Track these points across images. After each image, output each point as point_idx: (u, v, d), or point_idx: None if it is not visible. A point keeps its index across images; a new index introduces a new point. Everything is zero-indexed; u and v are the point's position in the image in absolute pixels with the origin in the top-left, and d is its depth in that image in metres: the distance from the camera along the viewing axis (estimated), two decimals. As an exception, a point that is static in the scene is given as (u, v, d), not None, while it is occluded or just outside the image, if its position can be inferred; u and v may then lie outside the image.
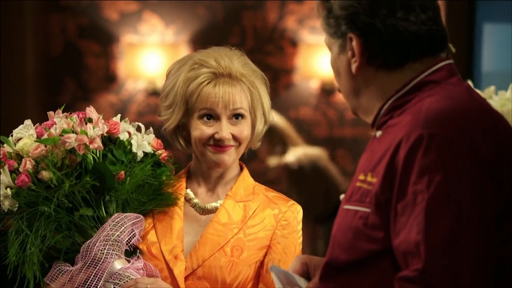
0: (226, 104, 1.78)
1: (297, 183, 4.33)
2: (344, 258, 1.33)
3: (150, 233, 1.80)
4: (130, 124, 1.83)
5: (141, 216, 1.78)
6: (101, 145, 1.73)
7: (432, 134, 1.26)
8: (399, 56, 1.36)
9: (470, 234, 1.23)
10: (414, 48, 1.36)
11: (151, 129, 1.83)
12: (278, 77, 5.03)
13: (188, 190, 1.85)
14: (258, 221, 1.82)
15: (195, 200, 1.84)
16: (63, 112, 1.90)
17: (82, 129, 1.74)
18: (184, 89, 1.79)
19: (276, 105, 5.23)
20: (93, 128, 1.75)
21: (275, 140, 4.47)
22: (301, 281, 1.39)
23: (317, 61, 4.94)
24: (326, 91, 4.99)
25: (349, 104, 1.43)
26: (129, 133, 1.80)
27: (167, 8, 5.02)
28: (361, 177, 1.34)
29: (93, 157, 1.73)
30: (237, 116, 1.80)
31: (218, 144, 1.79)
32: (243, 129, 1.81)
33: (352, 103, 1.41)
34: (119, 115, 1.83)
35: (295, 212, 1.84)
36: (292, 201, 1.86)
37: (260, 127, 1.84)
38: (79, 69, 4.99)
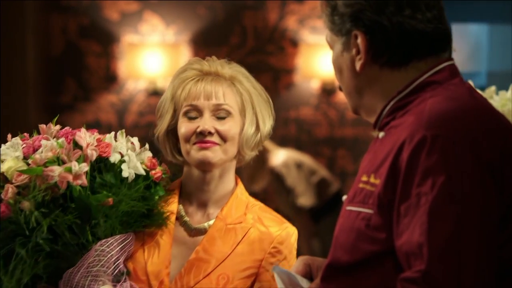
0: (208, 97, 1.72)
1: (284, 185, 4.28)
2: (346, 259, 1.33)
3: (139, 251, 1.72)
4: (126, 137, 1.73)
5: (131, 236, 1.70)
6: (85, 181, 1.63)
7: (435, 135, 1.26)
8: (405, 54, 1.36)
9: (473, 235, 1.23)
10: (419, 47, 1.36)
11: (147, 146, 1.75)
12: (279, 77, 5.02)
13: (181, 207, 1.77)
14: (247, 247, 1.71)
15: (186, 219, 1.76)
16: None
17: (66, 166, 1.62)
18: (171, 90, 1.75)
19: (277, 105, 5.23)
20: (79, 164, 1.63)
21: None
22: (304, 282, 1.39)
23: (317, 61, 4.94)
24: (327, 91, 4.99)
25: (350, 103, 1.43)
26: (121, 154, 1.70)
27: (168, 8, 5.02)
28: (364, 178, 1.34)
29: (79, 187, 1.63)
30: (222, 113, 1.72)
31: (202, 139, 1.71)
32: (229, 125, 1.72)
33: (354, 102, 1.41)
34: (112, 133, 1.73)
35: (287, 237, 1.72)
36: (286, 224, 1.74)
37: (250, 130, 1.74)
38: (79, 69, 4.98)
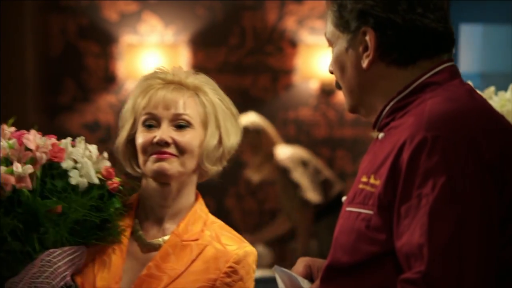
0: (167, 106, 1.63)
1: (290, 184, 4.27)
2: (346, 260, 1.33)
3: (89, 265, 1.63)
4: (85, 144, 1.64)
5: (82, 249, 1.60)
6: (29, 184, 1.54)
7: (436, 136, 1.26)
8: (414, 53, 1.36)
9: (473, 236, 1.23)
10: (429, 45, 1.36)
11: (105, 154, 1.65)
12: (278, 77, 5.02)
13: (136, 221, 1.68)
14: (202, 265, 1.61)
15: (140, 233, 1.66)
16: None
17: (9, 168, 1.55)
18: (133, 99, 1.68)
19: (276, 105, 5.24)
20: (22, 167, 1.55)
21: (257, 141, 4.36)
22: (305, 283, 1.39)
23: (316, 61, 4.94)
24: (326, 91, 4.99)
25: (350, 101, 1.41)
26: (75, 161, 1.60)
27: (167, 9, 5.02)
28: (364, 179, 1.34)
29: (27, 192, 1.55)
30: (181, 123, 1.63)
31: (158, 150, 1.62)
32: (188, 137, 1.63)
33: (355, 100, 1.40)
34: (69, 139, 1.64)
35: (244, 257, 1.62)
36: (245, 244, 1.64)
37: (211, 143, 1.64)
38: (78, 69, 4.98)
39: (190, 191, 1.68)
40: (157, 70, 1.71)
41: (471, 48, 4.12)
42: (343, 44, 1.38)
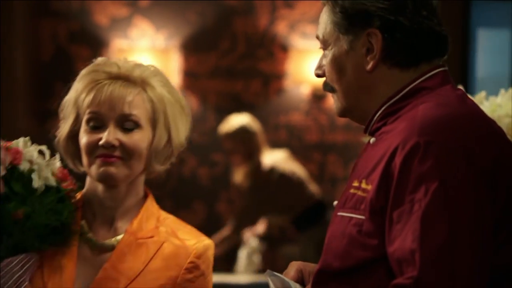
0: (113, 106, 1.53)
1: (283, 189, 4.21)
2: (337, 265, 1.32)
3: (36, 273, 1.53)
4: (31, 146, 1.55)
5: (34, 256, 1.52)
6: (2, 189, 1.47)
7: (429, 141, 1.26)
8: (418, 55, 1.36)
9: (466, 242, 1.23)
10: (432, 48, 1.36)
11: (57, 156, 1.57)
12: (269, 82, 5.02)
13: (83, 222, 1.58)
14: (161, 262, 1.55)
15: (89, 235, 1.57)
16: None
17: None
18: (75, 92, 1.57)
19: (267, 110, 5.23)
20: None
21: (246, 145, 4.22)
22: (297, 287, 1.39)
23: (308, 66, 4.94)
24: (317, 96, 4.99)
25: (344, 104, 1.39)
26: (31, 162, 1.52)
27: (158, 13, 5.01)
28: (355, 183, 1.34)
29: None
30: (129, 124, 1.54)
31: (104, 153, 1.53)
32: (136, 139, 1.54)
33: (350, 103, 1.38)
34: (21, 139, 1.55)
35: (204, 251, 1.57)
36: (203, 238, 1.59)
37: (160, 143, 1.56)
38: (69, 74, 4.96)
39: (139, 189, 1.61)
40: (101, 62, 1.59)
41: (490, 52, 4.12)
42: (343, 45, 1.36)
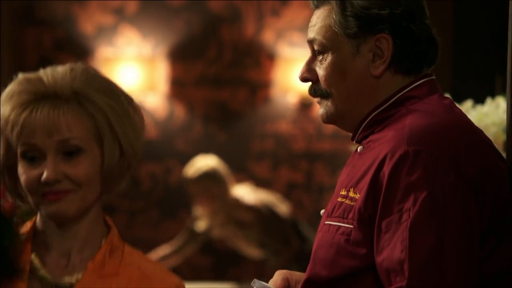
0: (48, 133, 1.29)
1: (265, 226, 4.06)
2: (325, 274, 1.31)
3: None
4: None
5: None
6: None
7: (418, 151, 1.25)
8: (421, 61, 1.37)
9: (454, 252, 1.23)
10: (432, 56, 1.38)
11: None
12: (256, 90, 5.02)
13: (33, 256, 1.33)
14: None
15: (42, 273, 1.32)
16: None
17: None
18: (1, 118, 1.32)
19: (254, 119, 5.23)
20: None
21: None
22: None
23: (295, 75, 4.92)
24: (304, 105, 4.99)
25: (339, 109, 1.36)
26: None
27: (144, 21, 5.00)
28: (343, 192, 1.33)
29: None
30: (70, 149, 1.30)
31: (50, 190, 1.29)
32: (81, 166, 1.30)
33: (346, 108, 1.36)
34: None
35: None
36: (173, 277, 1.37)
37: (112, 160, 1.32)
38: (54, 82, 4.93)
39: (99, 218, 1.37)
40: (22, 81, 1.35)
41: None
42: (349, 49, 1.35)
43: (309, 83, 1.41)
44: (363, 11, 1.34)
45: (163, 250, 4.23)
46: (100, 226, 1.37)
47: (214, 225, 4.09)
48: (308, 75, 1.40)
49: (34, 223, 1.37)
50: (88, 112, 1.32)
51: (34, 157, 1.31)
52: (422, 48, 1.36)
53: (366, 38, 1.34)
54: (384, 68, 1.35)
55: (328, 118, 1.40)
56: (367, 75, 1.35)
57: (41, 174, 1.30)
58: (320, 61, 1.38)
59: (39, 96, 1.32)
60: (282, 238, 4.05)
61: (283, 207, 4.12)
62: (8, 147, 1.33)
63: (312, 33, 1.38)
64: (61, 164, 1.31)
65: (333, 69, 1.36)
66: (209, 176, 4.02)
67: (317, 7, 1.39)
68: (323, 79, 1.38)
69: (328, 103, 1.38)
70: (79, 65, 1.35)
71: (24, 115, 1.31)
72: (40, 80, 1.34)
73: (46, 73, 1.34)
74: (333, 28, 1.35)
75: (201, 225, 4.14)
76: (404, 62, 1.36)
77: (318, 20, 1.38)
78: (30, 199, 1.33)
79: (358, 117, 1.38)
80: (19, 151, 1.32)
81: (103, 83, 1.35)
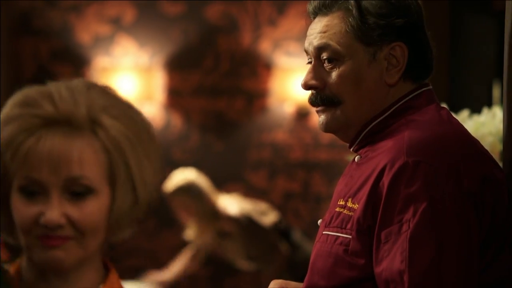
0: (56, 168, 1.07)
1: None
2: (323, 284, 1.31)
3: None
4: None
5: None
6: None
7: (417, 161, 1.25)
8: (429, 69, 1.39)
9: (453, 263, 1.23)
10: (432, 63, 1.40)
11: None
12: (253, 100, 5.02)
13: None
14: None
15: None
16: None
17: None
18: None
19: (251, 128, 5.22)
20: None
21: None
22: None
23: (292, 84, 4.94)
24: (301, 114, 4.99)
25: (350, 116, 1.34)
26: None
27: (141, 31, 5.00)
28: (341, 202, 1.32)
29: None
30: (78, 189, 1.09)
31: (47, 234, 1.08)
32: (89, 210, 1.09)
33: (359, 115, 1.35)
34: None
35: None
36: None
37: (124, 205, 1.11)
38: (51, 92, 4.93)
39: (98, 264, 1.16)
40: (28, 100, 1.12)
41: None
42: (365, 57, 1.34)
43: (308, 92, 1.39)
44: (383, 19, 1.33)
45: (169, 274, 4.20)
46: (99, 271, 1.16)
47: (201, 237, 4.08)
48: (315, 82, 1.36)
49: (19, 266, 1.15)
50: (103, 145, 1.09)
51: (33, 192, 1.09)
52: (429, 57, 1.38)
53: (382, 46, 1.34)
54: (399, 77, 1.35)
55: (333, 127, 1.37)
56: (381, 83, 1.35)
57: (40, 213, 1.08)
58: (331, 68, 1.35)
59: (48, 121, 1.09)
60: (268, 247, 4.03)
61: (271, 217, 4.10)
62: (3, 175, 1.09)
63: (322, 39, 1.35)
64: (65, 206, 1.08)
65: (348, 77, 1.34)
66: (184, 190, 4.01)
67: (325, 14, 1.36)
68: (336, 86, 1.35)
69: (336, 111, 1.35)
70: (95, 85, 1.14)
71: (29, 143, 1.08)
72: (51, 100, 1.11)
73: (59, 92, 1.11)
74: (350, 34, 1.33)
75: (191, 236, 4.13)
76: (415, 71, 1.36)
77: (330, 26, 1.35)
78: (21, 239, 1.11)
79: (362, 126, 1.37)
80: (16, 183, 1.09)
81: (123, 108, 1.12)
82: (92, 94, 1.12)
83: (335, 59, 1.35)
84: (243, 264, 4.14)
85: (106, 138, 1.09)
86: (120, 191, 1.11)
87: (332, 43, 1.35)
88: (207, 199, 3.99)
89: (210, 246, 4.10)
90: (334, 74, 1.35)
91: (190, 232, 4.10)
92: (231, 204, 4.05)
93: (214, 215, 3.99)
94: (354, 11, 1.33)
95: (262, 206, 4.16)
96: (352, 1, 1.34)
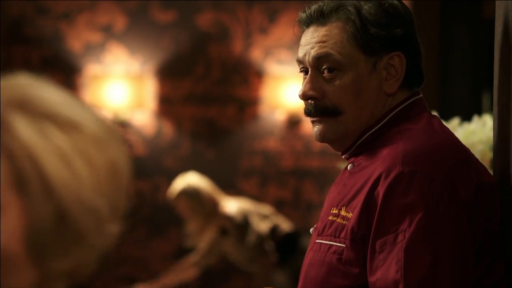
0: None
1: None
2: (316, 293, 1.30)
3: None
4: None
5: None
6: None
7: (413, 171, 1.25)
8: (422, 77, 1.39)
9: (448, 273, 1.23)
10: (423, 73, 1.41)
11: None
12: (244, 108, 5.02)
13: None
14: None
15: None
16: None
17: None
18: None
19: (242, 136, 5.22)
20: None
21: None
22: None
23: (283, 92, 4.95)
24: (292, 122, 4.99)
25: (350, 127, 1.33)
26: None
27: (132, 39, 5.00)
28: (334, 211, 1.32)
29: None
30: None
31: None
32: None
33: (359, 125, 1.34)
34: None
35: None
36: None
37: (42, 222, 0.78)
38: (42, 100, 4.91)
39: None
40: None
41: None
42: (366, 67, 1.33)
43: (300, 100, 1.38)
44: (384, 30, 1.33)
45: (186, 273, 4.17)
46: None
47: (204, 239, 4.10)
48: (313, 93, 1.34)
49: None
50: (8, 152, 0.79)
51: None
52: (421, 65, 1.38)
53: (381, 56, 1.34)
54: (398, 86, 1.35)
55: (331, 138, 1.35)
56: (380, 93, 1.34)
57: None
58: (332, 78, 1.33)
59: None
60: (256, 251, 4.05)
61: (268, 223, 4.11)
62: None
63: (322, 49, 1.33)
64: None
65: (349, 87, 1.33)
66: (185, 193, 4.04)
67: (322, 23, 1.34)
68: (336, 97, 1.33)
69: (335, 122, 1.34)
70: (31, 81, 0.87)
71: None
72: None
73: None
74: (351, 44, 1.32)
75: (192, 241, 4.14)
76: (411, 80, 1.37)
77: (329, 36, 1.33)
78: None
79: (358, 136, 1.36)
80: None
81: (60, 112, 0.82)
82: (15, 89, 0.83)
83: (336, 69, 1.33)
84: (242, 264, 4.15)
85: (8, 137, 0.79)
86: (33, 201, 0.79)
87: (334, 52, 1.33)
88: (208, 201, 3.99)
89: (214, 252, 4.11)
90: (334, 85, 1.33)
91: (192, 235, 4.11)
92: (232, 204, 4.08)
93: (215, 215, 4.02)
94: (356, 21, 1.32)
95: (265, 210, 4.19)
96: (353, 11, 1.32)
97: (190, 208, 4.05)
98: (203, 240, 4.08)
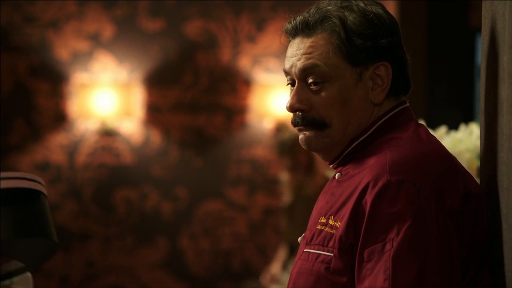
0: None
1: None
2: (304, 302, 1.30)
3: None
4: None
5: None
6: None
7: (400, 181, 1.25)
8: (408, 86, 1.39)
9: (436, 281, 1.23)
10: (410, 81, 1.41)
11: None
12: (232, 116, 5.02)
13: None
14: None
15: None
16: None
17: None
18: None
19: (230, 144, 5.22)
20: None
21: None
22: None
23: (271, 100, 4.95)
24: (280, 130, 5.00)
25: (337, 138, 1.33)
26: None
27: (120, 47, 4.99)
28: (322, 220, 1.32)
29: None
30: None
31: None
32: None
33: (346, 136, 1.34)
34: None
35: None
36: None
37: None
38: (29, 108, 4.90)
39: None
40: None
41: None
42: (352, 78, 1.33)
43: (289, 112, 1.38)
44: (369, 40, 1.33)
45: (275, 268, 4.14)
46: None
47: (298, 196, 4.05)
48: (301, 105, 1.35)
49: None
50: None
51: None
52: (408, 74, 1.39)
53: (367, 66, 1.34)
54: (384, 95, 1.35)
55: (317, 147, 1.36)
56: (367, 102, 1.34)
57: None
58: (318, 89, 1.34)
59: None
60: None
61: None
62: None
63: (309, 60, 1.34)
64: None
65: (336, 98, 1.33)
66: (287, 145, 4.01)
67: (308, 34, 1.34)
68: (323, 109, 1.34)
69: (321, 133, 1.34)
70: None
71: None
72: None
73: None
74: (337, 55, 1.33)
75: (286, 196, 4.11)
76: (397, 89, 1.37)
77: (315, 47, 1.34)
78: None
79: (346, 145, 1.36)
80: None
81: None
82: None
83: (323, 80, 1.34)
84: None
85: None
86: None
87: (320, 63, 1.33)
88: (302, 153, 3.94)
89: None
90: (321, 96, 1.34)
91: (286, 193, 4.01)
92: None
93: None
94: (341, 33, 1.33)
95: None
96: (338, 22, 1.33)
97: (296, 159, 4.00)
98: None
